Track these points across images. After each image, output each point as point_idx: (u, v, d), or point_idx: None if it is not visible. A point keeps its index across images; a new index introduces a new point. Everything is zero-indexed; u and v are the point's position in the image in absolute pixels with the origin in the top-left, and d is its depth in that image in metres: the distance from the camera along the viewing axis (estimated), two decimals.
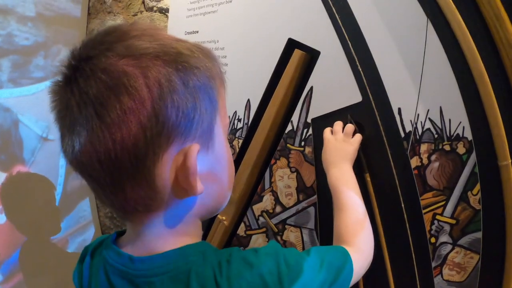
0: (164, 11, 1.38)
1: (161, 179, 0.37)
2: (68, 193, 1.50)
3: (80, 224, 1.58)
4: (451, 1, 0.67)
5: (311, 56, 0.87)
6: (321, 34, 0.85)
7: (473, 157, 0.70)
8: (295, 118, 0.93)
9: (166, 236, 0.41)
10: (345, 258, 0.52)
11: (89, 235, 1.63)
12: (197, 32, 1.14)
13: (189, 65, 0.37)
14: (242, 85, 1.03)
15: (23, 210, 1.34)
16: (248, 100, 1.01)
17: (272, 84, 0.95)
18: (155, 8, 1.43)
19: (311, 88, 0.89)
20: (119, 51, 0.35)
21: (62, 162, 1.47)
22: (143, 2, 1.49)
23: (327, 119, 0.86)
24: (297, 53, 0.87)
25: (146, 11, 1.48)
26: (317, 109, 0.88)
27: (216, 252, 0.42)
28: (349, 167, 0.72)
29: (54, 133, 1.42)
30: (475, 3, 0.66)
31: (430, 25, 0.71)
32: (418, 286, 0.81)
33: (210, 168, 0.41)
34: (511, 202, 0.66)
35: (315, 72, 0.88)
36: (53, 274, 1.45)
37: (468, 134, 0.70)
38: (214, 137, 0.41)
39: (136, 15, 1.52)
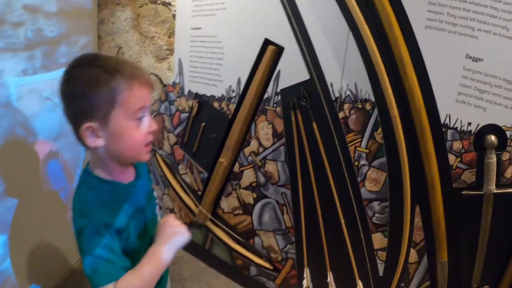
0: (167, 4, 1.53)
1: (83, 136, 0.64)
2: None
3: None
4: (362, 17, 1.00)
5: (279, 50, 1.19)
6: (285, 35, 1.16)
7: (375, 111, 1.04)
8: (269, 89, 1.23)
9: (92, 162, 0.71)
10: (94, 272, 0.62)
11: None
12: (200, 28, 1.36)
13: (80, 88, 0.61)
14: (235, 67, 1.30)
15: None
16: (239, 78, 1.30)
17: (254, 68, 1.25)
18: (159, 1, 1.57)
19: (279, 71, 1.21)
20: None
21: (83, 155, 1.57)
22: None
23: (290, 90, 1.19)
24: (270, 48, 1.19)
25: (151, 3, 1.61)
26: (283, 83, 1.20)
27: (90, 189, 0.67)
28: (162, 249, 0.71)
29: None
30: (376, 16, 0.98)
31: (350, 33, 1.05)
32: (352, 195, 1.12)
33: (107, 136, 0.63)
34: (400, 138, 1.00)
35: (281, 60, 1.18)
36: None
37: (372, 98, 1.04)
38: (109, 121, 0.62)
39: (142, 6, 1.65)
